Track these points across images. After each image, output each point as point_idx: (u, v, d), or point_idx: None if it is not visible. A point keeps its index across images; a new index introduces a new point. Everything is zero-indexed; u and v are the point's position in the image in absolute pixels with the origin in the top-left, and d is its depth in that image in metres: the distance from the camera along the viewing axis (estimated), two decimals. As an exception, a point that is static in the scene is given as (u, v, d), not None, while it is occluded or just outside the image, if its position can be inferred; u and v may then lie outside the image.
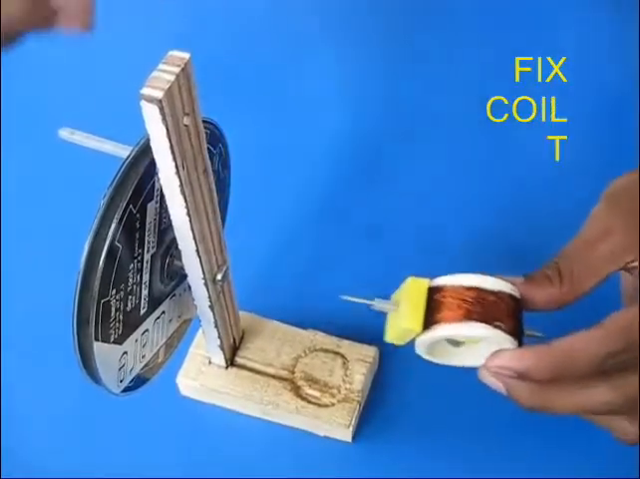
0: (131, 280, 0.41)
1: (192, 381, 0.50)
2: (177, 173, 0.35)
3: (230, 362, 0.50)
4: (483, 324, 0.38)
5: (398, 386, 0.51)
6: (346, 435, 0.49)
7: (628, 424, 0.40)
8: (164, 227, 0.42)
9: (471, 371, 0.51)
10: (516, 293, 0.39)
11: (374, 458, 0.49)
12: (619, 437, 0.41)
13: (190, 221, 0.38)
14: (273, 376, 0.50)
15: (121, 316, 0.41)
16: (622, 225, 0.40)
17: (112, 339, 0.41)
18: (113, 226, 0.37)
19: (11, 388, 0.52)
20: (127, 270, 0.40)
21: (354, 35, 0.65)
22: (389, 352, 0.52)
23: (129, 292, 0.41)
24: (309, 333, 0.51)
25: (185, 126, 0.35)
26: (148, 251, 0.41)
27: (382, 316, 0.53)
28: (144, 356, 0.45)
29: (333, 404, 0.49)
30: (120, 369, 0.42)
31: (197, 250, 0.40)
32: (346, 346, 0.51)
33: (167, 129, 0.33)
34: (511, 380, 0.39)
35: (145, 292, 0.42)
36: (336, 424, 0.48)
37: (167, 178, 0.36)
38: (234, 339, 0.50)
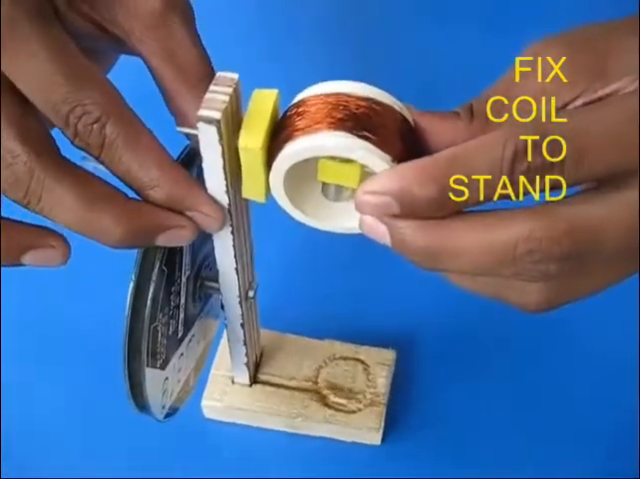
0: (172, 304, 0.41)
1: (218, 402, 0.50)
2: (227, 192, 0.36)
3: (254, 380, 0.50)
4: (346, 134, 0.30)
5: (414, 386, 0.52)
6: (375, 438, 0.50)
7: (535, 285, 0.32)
8: (196, 247, 0.42)
9: (478, 367, 0.53)
10: (408, 116, 0.32)
11: (403, 458, 0.50)
12: (518, 301, 0.33)
13: (234, 238, 0.39)
14: (298, 389, 0.50)
15: (164, 341, 0.41)
16: (564, 52, 0.31)
17: (158, 365, 0.41)
18: (160, 249, 0.37)
19: (11, 389, 0.51)
20: (169, 294, 0.40)
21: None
22: (404, 355, 0.53)
23: (170, 316, 0.41)
24: (327, 343, 0.52)
25: (236, 145, 0.35)
26: (184, 274, 0.41)
27: (395, 320, 0.55)
28: (179, 381, 0.45)
29: (360, 409, 0.50)
30: (163, 395, 0.42)
31: (237, 268, 0.41)
32: (364, 352, 0.52)
33: (223, 149, 0.34)
34: (394, 220, 0.30)
35: (182, 316, 0.42)
36: (366, 429, 0.49)
37: (217, 197, 0.36)
38: (256, 356, 0.50)
